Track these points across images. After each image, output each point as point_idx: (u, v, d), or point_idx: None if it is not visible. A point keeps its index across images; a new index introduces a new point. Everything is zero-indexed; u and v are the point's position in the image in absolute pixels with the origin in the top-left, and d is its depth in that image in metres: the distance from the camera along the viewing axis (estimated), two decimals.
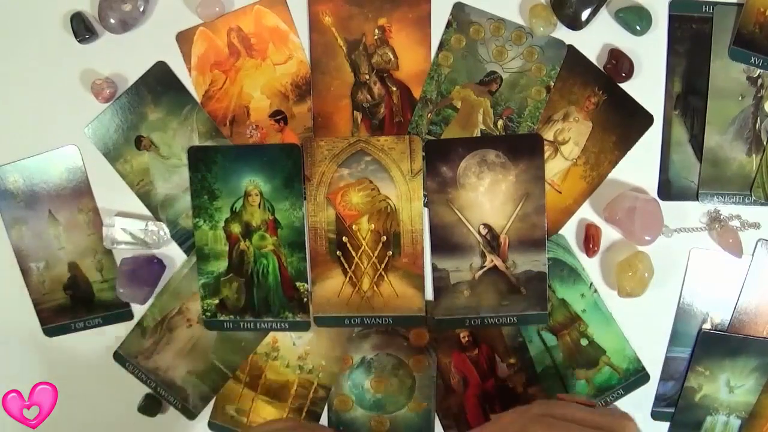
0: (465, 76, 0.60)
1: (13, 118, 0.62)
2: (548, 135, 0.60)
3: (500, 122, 0.60)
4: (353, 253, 0.61)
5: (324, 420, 0.63)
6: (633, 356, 0.61)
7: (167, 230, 0.62)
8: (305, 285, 0.61)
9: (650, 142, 0.60)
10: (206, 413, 0.64)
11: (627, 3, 0.59)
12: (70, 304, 0.63)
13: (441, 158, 0.60)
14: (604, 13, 0.59)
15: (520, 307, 0.60)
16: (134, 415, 0.64)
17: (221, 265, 0.61)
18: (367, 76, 0.60)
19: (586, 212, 0.61)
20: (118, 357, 0.63)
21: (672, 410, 0.62)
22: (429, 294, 0.61)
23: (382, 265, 0.61)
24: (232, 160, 0.60)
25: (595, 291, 0.61)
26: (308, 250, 0.61)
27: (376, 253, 0.60)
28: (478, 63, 0.60)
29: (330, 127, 0.61)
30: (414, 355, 0.62)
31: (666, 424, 0.62)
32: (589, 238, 0.60)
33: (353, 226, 0.60)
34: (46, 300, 0.63)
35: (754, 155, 0.60)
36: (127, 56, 0.61)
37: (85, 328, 0.63)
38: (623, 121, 0.59)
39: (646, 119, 0.59)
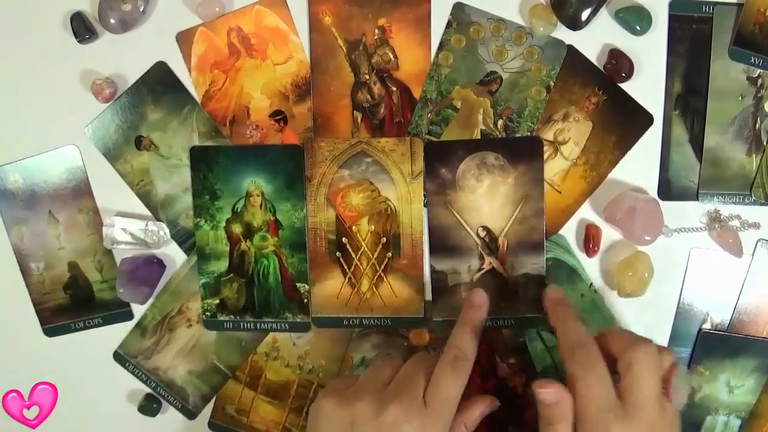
0: (465, 76, 0.60)
1: (13, 118, 0.62)
2: (548, 135, 0.60)
3: (500, 122, 0.60)
4: (353, 255, 0.61)
5: None
6: None
7: (167, 230, 0.62)
8: (306, 286, 0.61)
9: (650, 142, 0.60)
10: (206, 413, 0.64)
11: (627, 3, 0.59)
12: (70, 304, 0.63)
13: (440, 160, 0.59)
14: (604, 13, 0.59)
15: (519, 309, 0.60)
16: (134, 415, 0.64)
17: (222, 266, 0.61)
18: (367, 76, 0.60)
19: (586, 212, 0.61)
20: (118, 357, 0.63)
21: None
22: (428, 295, 0.61)
23: (382, 267, 0.60)
24: (234, 161, 0.60)
25: (595, 291, 0.61)
26: (308, 251, 0.61)
27: (375, 255, 0.60)
28: (478, 63, 0.60)
29: (330, 127, 0.60)
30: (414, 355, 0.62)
31: None
32: (589, 238, 0.60)
33: (353, 228, 0.60)
34: (46, 300, 0.63)
35: (754, 155, 0.59)
36: (127, 56, 0.61)
37: (85, 328, 0.63)
38: (623, 121, 0.59)
39: (646, 119, 0.59)
